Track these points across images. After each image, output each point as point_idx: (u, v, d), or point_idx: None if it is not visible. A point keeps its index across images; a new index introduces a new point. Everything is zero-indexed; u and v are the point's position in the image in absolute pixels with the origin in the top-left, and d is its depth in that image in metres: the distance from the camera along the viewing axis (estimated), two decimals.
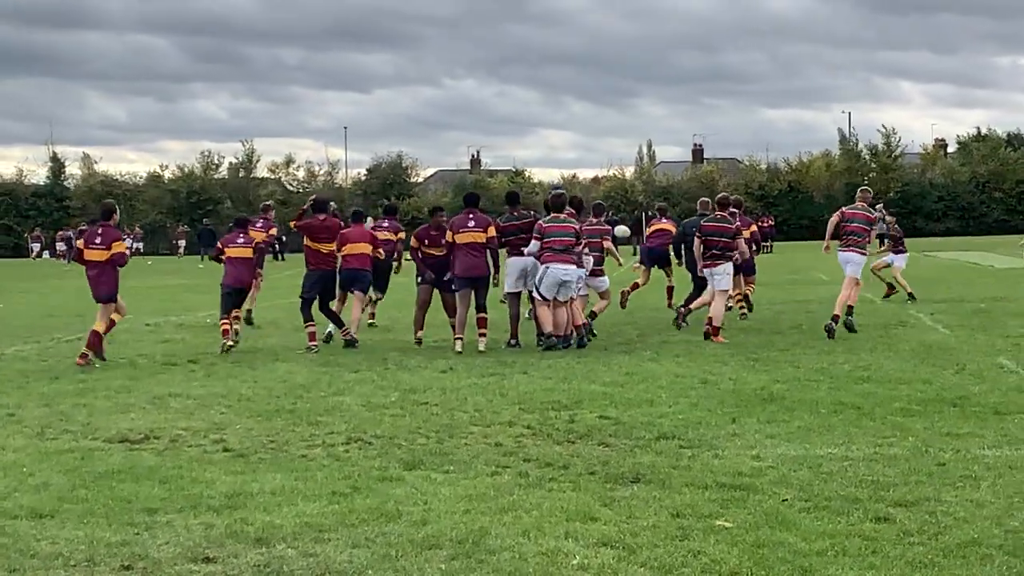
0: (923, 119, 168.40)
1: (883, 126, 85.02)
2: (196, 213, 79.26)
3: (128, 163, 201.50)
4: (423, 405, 11.80)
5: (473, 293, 16.70)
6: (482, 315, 16.68)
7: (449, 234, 16.75)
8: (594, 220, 18.92)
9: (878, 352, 15.43)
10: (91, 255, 15.30)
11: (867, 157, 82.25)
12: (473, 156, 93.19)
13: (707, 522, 7.31)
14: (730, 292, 18.20)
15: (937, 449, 9.37)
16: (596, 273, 18.21)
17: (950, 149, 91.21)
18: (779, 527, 7.21)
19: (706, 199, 21.05)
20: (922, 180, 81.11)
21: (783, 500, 7.87)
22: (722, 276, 17.46)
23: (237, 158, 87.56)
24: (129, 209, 77.50)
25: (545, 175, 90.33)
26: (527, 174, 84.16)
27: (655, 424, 10.58)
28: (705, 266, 17.66)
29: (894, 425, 10.40)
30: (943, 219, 79.38)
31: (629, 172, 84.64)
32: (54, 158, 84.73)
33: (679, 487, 8.21)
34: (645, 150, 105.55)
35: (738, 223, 18.31)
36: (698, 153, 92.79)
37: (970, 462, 8.89)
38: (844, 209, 18.24)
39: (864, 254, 17.94)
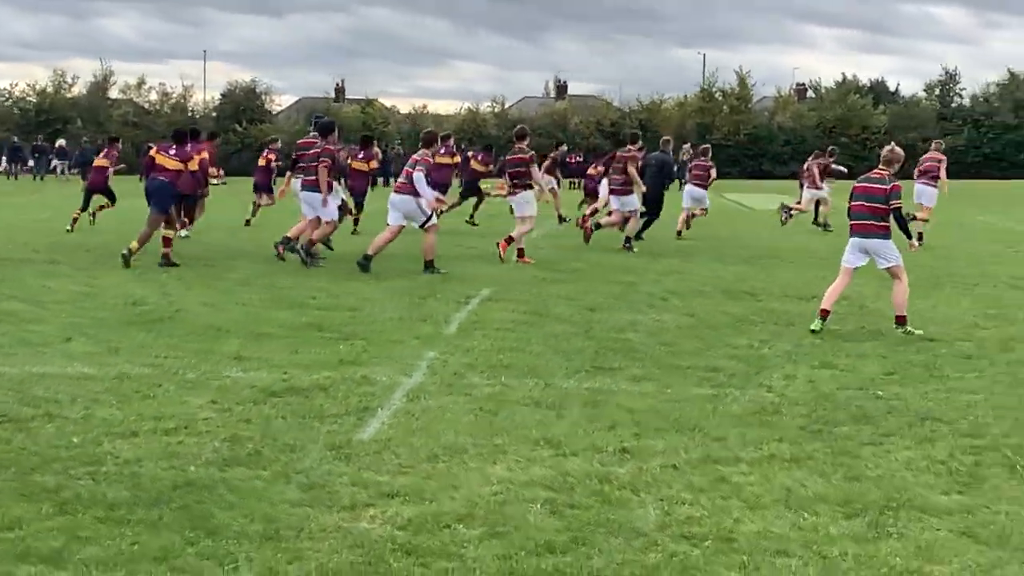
0: (833, 64, 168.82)
1: (739, 67, 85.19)
2: (46, 131, 77.88)
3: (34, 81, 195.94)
4: None
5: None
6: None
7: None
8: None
9: (397, 280, 15.54)
10: None
11: (720, 99, 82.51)
12: (338, 85, 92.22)
13: None
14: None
15: (172, 372, 9.48)
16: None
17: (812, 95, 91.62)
18: None
19: (667, 138, 24.57)
20: (771, 124, 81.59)
21: None
22: (523, 203, 18.40)
23: (95, 77, 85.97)
24: None
25: (405, 107, 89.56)
26: (378, 104, 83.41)
27: None
28: (508, 195, 18.73)
29: (208, 350, 10.54)
30: (789, 163, 79.82)
31: (484, 107, 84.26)
32: None
33: None
34: (552, 84, 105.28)
35: (532, 154, 18.71)
36: (561, 89, 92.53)
37: (169, 382, 9.03)
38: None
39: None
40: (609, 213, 21.74)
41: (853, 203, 12.33)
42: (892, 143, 12.87)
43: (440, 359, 10.23)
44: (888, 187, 12.09)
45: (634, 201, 21.06)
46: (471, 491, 6.48)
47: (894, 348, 11.28)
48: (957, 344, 11.56)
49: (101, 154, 24.67)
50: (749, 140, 78.98)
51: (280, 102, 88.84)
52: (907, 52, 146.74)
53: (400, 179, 16.87)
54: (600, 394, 8.96)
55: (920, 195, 23.73)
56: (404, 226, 16.78)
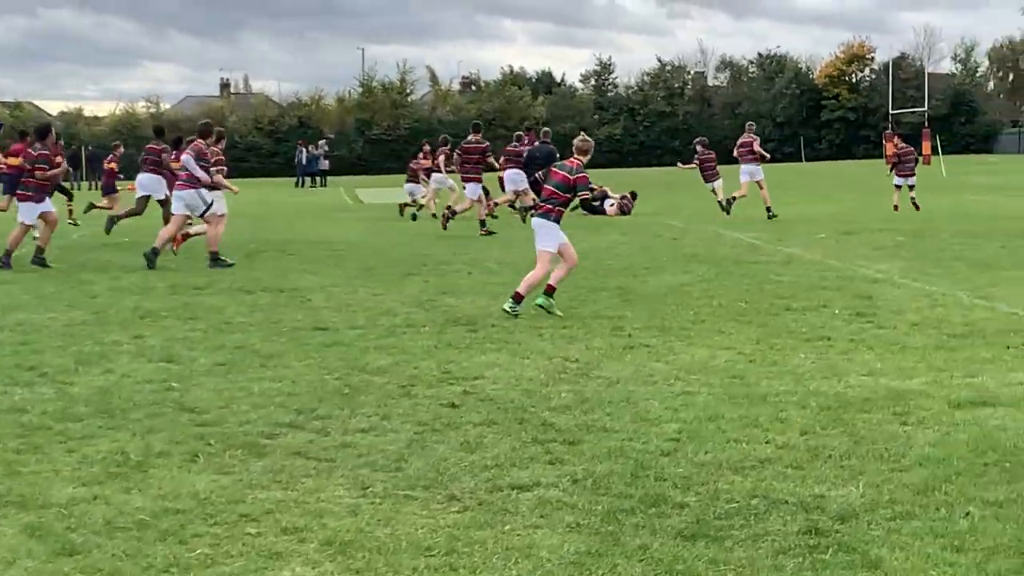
0: (529, 57, 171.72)
1: (402, 61, 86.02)
2: None
3: None
4: None
5: None
6: None
7: None
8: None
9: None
10: None
11: (381, 94, 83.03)
12: None
13: None
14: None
15: None
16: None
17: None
18: None
19: (547, 129, 28.49)
20: (432, 117, 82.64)
21: None
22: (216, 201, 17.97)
23: None
24: None
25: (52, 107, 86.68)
26: (27, 107, 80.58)
27: None
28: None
29: None
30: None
31: (140, 107, 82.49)
32: None
33: None
34: (243, 83, 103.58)
35: (221, 157, 18.92)
36: (225, 87, 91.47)
37: None
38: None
39: None
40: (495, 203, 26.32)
41: (544, 186, 12.37)
42: (582, 133, 13.35)
43: None
44: (573, 177, 12.16)
45: (476, 189, 23.29)
46: None
47: (300, 342, 11.19)
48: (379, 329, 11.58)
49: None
50: (410, 134, 79.70)
51: None
52: (598, 44, 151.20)
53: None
54: None
55: (751, 174, 26.29)
56: (189, 217, 17.66)
